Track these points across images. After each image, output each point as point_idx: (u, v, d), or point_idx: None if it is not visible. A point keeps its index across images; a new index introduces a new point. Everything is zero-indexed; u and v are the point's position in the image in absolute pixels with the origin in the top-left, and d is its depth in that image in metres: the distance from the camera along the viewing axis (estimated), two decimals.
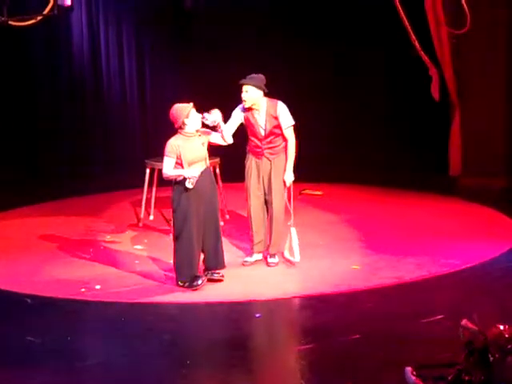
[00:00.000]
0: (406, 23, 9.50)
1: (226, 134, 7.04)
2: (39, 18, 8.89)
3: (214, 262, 7.04)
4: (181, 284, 6.90)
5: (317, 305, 6.47)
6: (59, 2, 9.10)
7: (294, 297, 6.72)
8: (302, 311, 6.36)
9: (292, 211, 7.39)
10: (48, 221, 9.54)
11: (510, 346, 3.82)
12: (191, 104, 6.85)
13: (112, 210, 10.04)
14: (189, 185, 6.68)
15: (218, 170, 9.04)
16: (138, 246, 8.30)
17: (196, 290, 6.83)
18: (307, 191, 10.53)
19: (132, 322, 6.32)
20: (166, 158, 6.81)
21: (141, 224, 9.16)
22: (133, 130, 12.11)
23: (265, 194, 7.44)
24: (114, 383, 5.26)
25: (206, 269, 7.06)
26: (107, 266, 7.69)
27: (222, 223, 8.93)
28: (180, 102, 6.89)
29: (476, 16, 9.17)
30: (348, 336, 5.70)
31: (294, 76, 11.41)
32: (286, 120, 7.31)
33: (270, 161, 7.38)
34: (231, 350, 5.83)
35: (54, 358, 5.65)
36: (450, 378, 3.91)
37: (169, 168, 6.80)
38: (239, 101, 7.34)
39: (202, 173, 6.80)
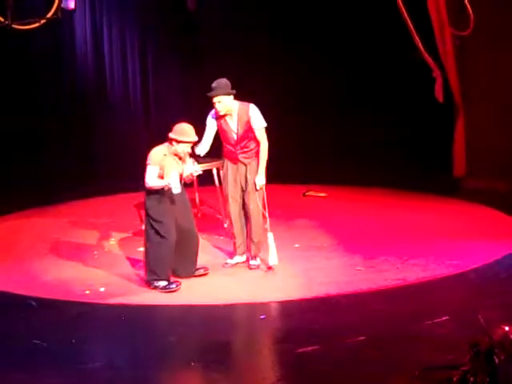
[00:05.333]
0: (410, 24, 9.49)
1: (204, 149, 7.26)
2: (43, 21, 8.89)
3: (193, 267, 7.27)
4: (159, 287, 6.95)
5: (321, 307, 6.47)
6: (63, 6, 9.13)
7: (299, 299, 6.72)
8: (307, 313, 6.35)
9: (267, 215, 7.41)
10: (52, 223, 9.56)
11: None
12: (195, 140, 6.94)
13: (116, 212, 10.06)
14: (176, 190, 6.82)
15: (221, 173, 9.02)
16: (142, 249, 8.29)
17: (173, 292, 6.91)
18: (311, 193, 10.53)
19: (136, 324, 6.32)
20: (150, 167, 6.88)
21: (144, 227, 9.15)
22: (136, 132, 12.11)
23: (242, 196, 7.47)
24: None
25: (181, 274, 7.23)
26: (112, 269, 7.71)
27: (225, 225, 8.97)
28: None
29: (480, 18, 9.17)
30: (353, 338, 5.69)
31: (300, 77, 11.40)
32: (258, 122, 7.30)
33: (246, 165, 7.40)
34: (235, 351, 5.84)
35: (59, 361, 5.64)
36: (455, 379, 3.91)
37: (152, 177, 6.85)
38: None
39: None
